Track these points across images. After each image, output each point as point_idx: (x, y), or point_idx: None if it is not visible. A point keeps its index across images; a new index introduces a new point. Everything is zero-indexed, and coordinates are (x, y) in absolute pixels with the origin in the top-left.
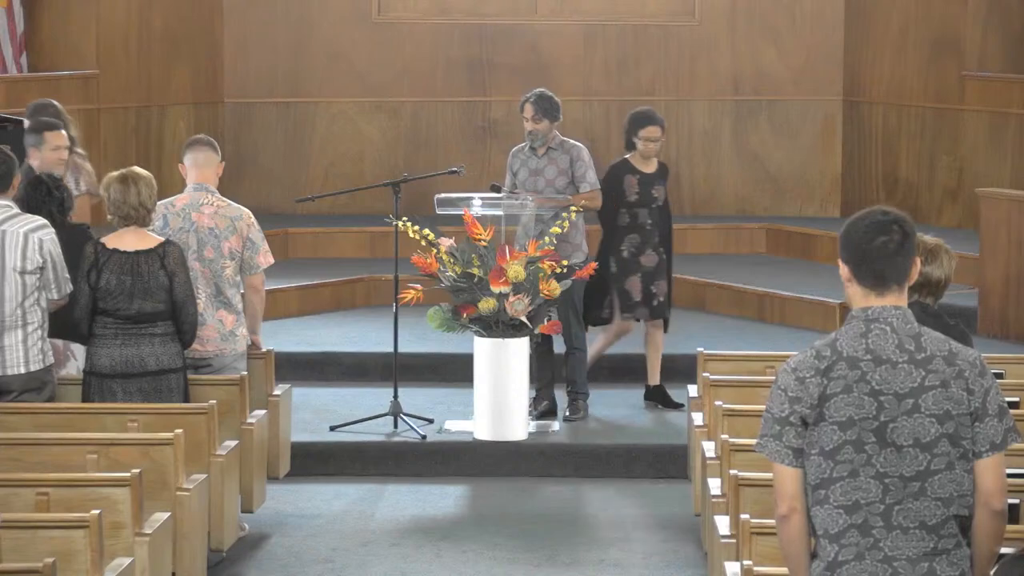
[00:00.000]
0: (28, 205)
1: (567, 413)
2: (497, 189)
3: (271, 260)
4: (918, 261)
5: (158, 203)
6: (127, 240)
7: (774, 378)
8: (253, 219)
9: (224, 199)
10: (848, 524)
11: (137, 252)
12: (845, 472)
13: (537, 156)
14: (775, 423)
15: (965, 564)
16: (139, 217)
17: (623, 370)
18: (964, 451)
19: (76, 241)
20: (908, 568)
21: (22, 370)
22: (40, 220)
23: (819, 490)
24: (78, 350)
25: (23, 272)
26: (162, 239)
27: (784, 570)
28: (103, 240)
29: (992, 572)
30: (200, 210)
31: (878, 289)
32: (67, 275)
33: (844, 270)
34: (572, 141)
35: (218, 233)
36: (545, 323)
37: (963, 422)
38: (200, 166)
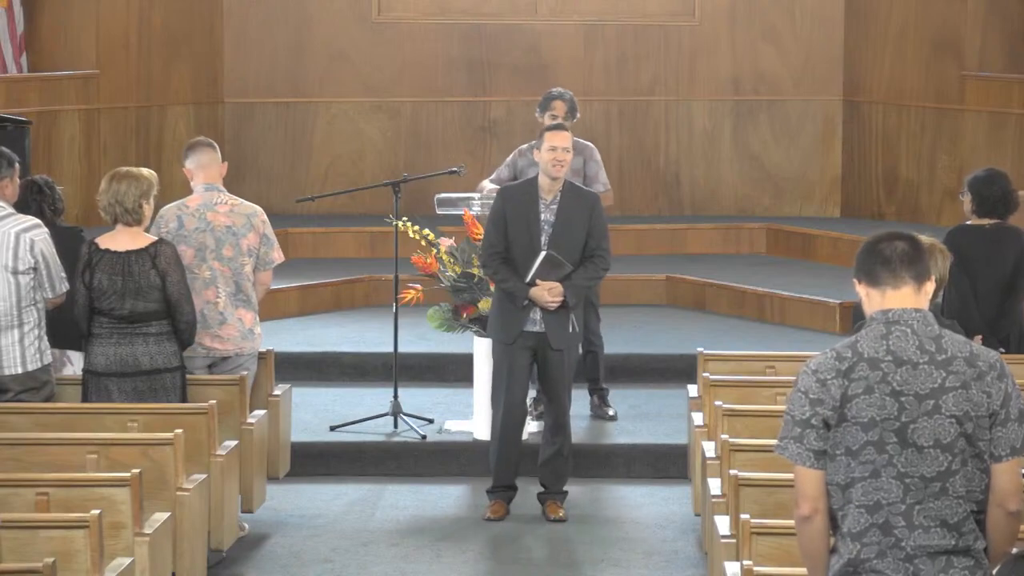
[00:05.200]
0: (20, 205)
1: (609, 413)
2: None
3: (283, 256)
4: (934, 279)
5: (170, 206)
6: (119, 240)
7: (794, 380)
8: (265, 215)
9: (236, 197)
10: (870, 523)
11: (128, 252)
12: (867, 472)
13: None
14: (796, 425)
15: (981, 556)
16: (116, 214)
17: (623, 370)
18: (979, 451)
19: (69, 243)
20: (928, 564)
21: (19, 370)
22: (32, 220)
23: (848, 490)
24: (74, 355)
25: (15, 272)
26: (155, 239)
27: (784, 570)
28: (96, 240)
29: (995, 572)
30: (215, 209)
31: (893, 283)
32: (62, 274)
33: (860, 287)
34: (582, 141)
35: (236, 231)
36: None
37: (982, 424)
38: (206, 167)
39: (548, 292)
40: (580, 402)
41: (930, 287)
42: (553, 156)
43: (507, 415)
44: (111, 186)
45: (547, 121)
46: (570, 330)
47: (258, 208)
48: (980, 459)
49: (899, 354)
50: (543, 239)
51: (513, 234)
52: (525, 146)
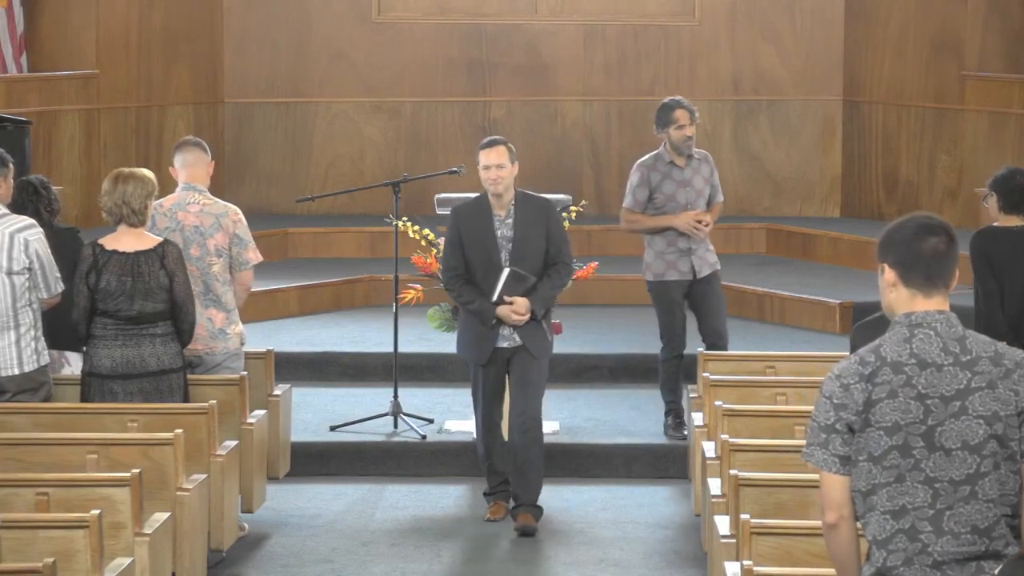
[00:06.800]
0: (16, 206)
1: (683, 433)
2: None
3: (259, 257)
4: (957, 271)
5: None
6: (125, 241)
7: (820, 387)
8: (240, 216)
9: (212, 197)
10: (896, 529)
11: (137, 253)
12: (891, 477)
13: (680, 167)
14: (821, 431)
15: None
16: (123, 215)
17: (623, 370)
18: (1012, 452)
19: (65, 244)
20: (957, 570)
21: (16, 371)
22: (27, 220)
23: (870, 496)
24: (72, 357)
25: (10, 273)
26: (160, 239)
27: (784, 570)
28: (101, 242)
29: (997, 571)
30: (187, 209)
31: (926, 290)
32: (57, 274)
33: (890, 274)
34: (702, 151)
35: (203, 231)
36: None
37: (1011, 423)
38: (189, 166)
39: (514, 312)
40: (576, 402)
41: (954, 283)
42: (487, 175)
43: (487, 432)
44: (117, 187)
45: (673, 134)
46: (549, 339)
47: (231, 208)
48: (1013, 461)
49: (923, 357)
50: (503, 255)
51: (471, 254)
52: (644, 159)
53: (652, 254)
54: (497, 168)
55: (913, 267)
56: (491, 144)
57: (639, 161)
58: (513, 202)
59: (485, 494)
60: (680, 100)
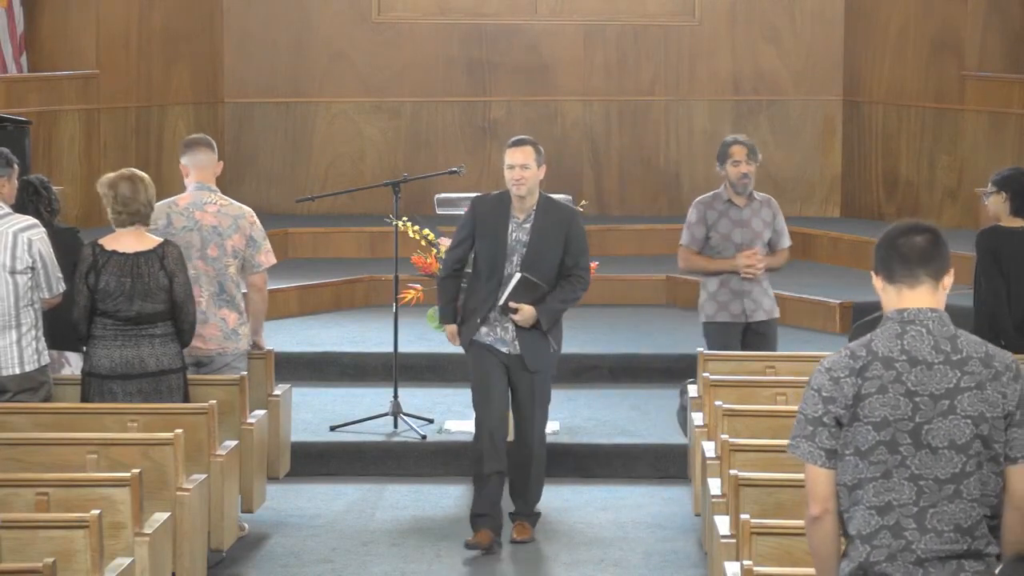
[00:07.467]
0: (16, 206)
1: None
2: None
3: (273, 260)
4: (952, 272)
5: (160, 204)
6: (126, 241)
7: (808, 379)
8: (255, 217)
9: (227, 198)
10: (880, 525)
11: (137, 253)
12: (878, 473)
13: (738, 207)
14: (808, 424)
15: (993, 562)
16: (145, 216)
17: (623, 370)
18: (995, 454)
19: (65, 244)
20: (939, 568)
21: (17, 371)
22: (30, 220)
23: (856, 491)
24: (72, 357)
25: (13, 272)
26: (160, 239)
27: (784, 570)
28: (101, 242)
29: (997, 572)
30: (204, 209)
31: (908, 281)
32: (59, 274)
33: (877, 279)
34: (764, 194)
35: (221, 231)
36: None
37: (997, 425)
38: (201, 166)
39: (518, 320)
40: (577, 402)
41: (948, 281)
42: (511, 175)
43: (486, 436)
44: (138, 188)
45: (730, 171)
46: (550, 350)
47: (247, 210)
48: (996, 462)
49: (914, 354)
50: (515, 259)
51: (480, 249)
52: (703, 197)
53: (705, 295)
54: (522, 168)
55: (892, 260)
56: (518, 143)
57: (697, 199)
58: (535, 207)
59: (472, 515)
60: (739, 137)
